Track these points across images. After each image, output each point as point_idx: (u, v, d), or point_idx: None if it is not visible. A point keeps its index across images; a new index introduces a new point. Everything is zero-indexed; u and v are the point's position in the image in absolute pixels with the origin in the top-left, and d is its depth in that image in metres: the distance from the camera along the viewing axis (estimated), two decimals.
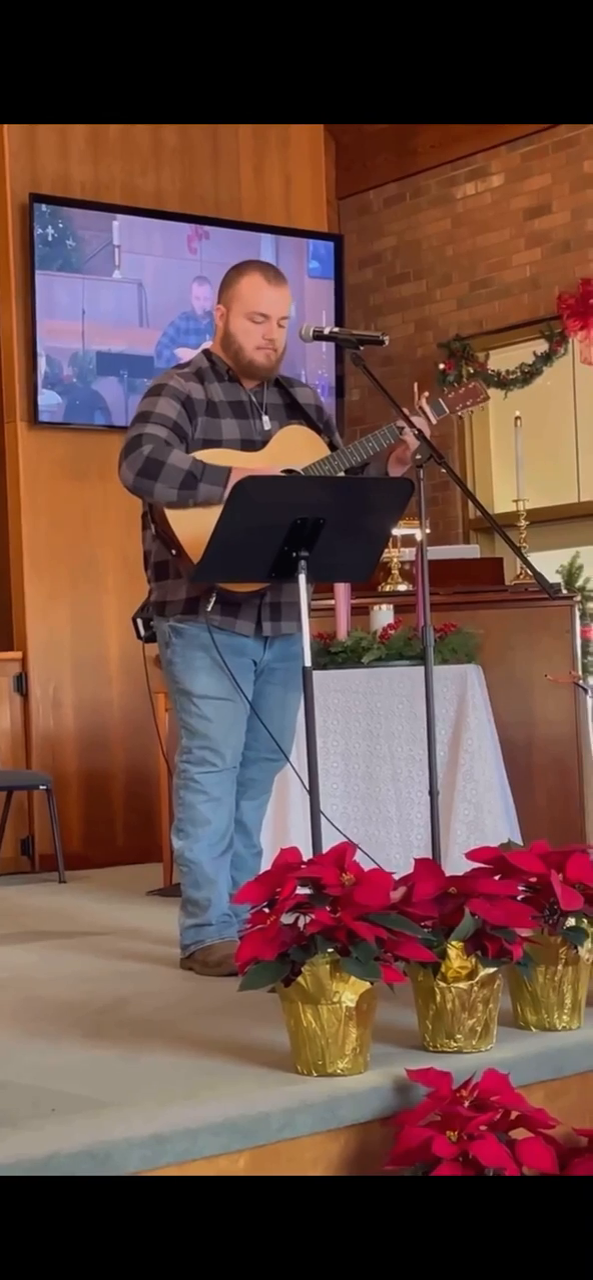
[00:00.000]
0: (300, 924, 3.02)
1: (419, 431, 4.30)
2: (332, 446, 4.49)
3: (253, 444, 4.39)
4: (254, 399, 4.45)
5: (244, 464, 4.26)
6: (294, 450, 4.37)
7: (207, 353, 4.50)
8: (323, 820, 3.95)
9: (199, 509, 4.21)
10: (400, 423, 4.33)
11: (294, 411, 4.50)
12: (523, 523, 6.67)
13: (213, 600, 4.25)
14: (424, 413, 4.42)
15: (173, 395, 4.35)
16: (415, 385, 4.57)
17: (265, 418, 4.44)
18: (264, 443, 4.40)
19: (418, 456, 4.29)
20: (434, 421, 4.42)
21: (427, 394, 4.56)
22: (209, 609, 4.26)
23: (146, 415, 4.32)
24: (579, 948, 3.35)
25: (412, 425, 4.31)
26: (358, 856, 3.12)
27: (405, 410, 4.33)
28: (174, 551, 4.30)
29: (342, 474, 4.35)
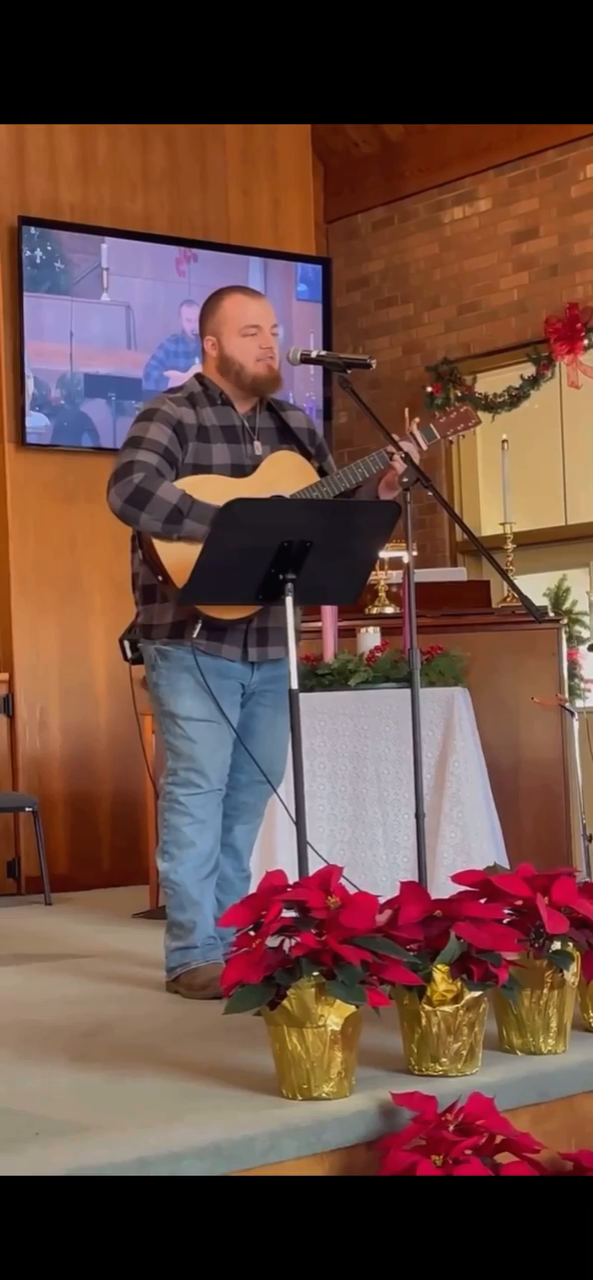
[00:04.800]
0: (286, 947, 3.01)
1: (406, 455, 4.31)
2: (323, 471, 4.48)
3: (243, 469, 4.38)
4: (246, 423, 4.45)
5: (233, 495, 4.25)
6: (283, 476, 4.36)
7: (199, 377, 4.49)
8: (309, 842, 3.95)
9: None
10: (391, 448, 4.33)
11: (286, 435, 4.50)
12: (510, 546, 6.68)
13: (198, 626, 4.26)
14: (415, 438, 4.42)
15: (164, 420, 4.35)
16: (406, 411, 4.57)
17: (257, 442, 4.44)
18: (254, 467, 4.39)
19: (405, 480, 4.30)
20: (424, 447, 4.42)
21: (417, 420, 4.56)
22: (195, 635, 4.26)
23: (138, 441, 4.32)
24: (565, 971, 3.35)
25: (398, 449, 4.31)
26: (343, 880, 3.12)
27: (395, 435, 4.34)
28: (160, 577, 4.30)
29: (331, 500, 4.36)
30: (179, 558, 4.21)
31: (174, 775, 4.40)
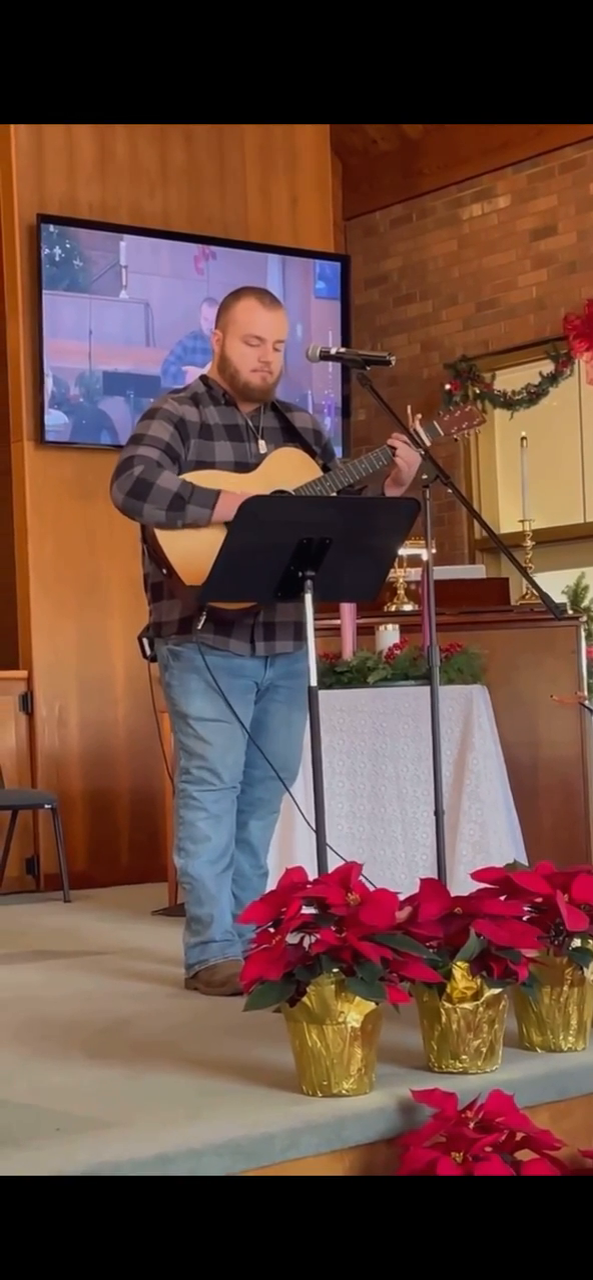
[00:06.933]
0: (306, 944, 3.01)
1: (425, 451, 4.31)
2: (327, 470, 4.49)
3: (247, 466, 4.40)
4: (250, 422, 4.46)
5: (234, 486, 4.27)
6: (286, 472, 4.38)
7: (203, 378, 4.53)
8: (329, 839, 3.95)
9: (189, 530, 4.23)
10: (392, 443, 4.35)
11: (291, 435, 4.52)
12: (529, 543, 6.68)
13: (203, 619, 4.26)
14: (419, 435, 4.43)
15: (166, 418, 4.37)
16: (409, 408, 4.57)
17: (261, 441, 4.45)
18: (258, 465, 4.41)
19: (424, 476, 4.30)
20: (428, 444, 4.42)
21: (420, 416, 4.57)
22: (200, 627, 4.27)
23: (139, 438, 4.35)
24: (585, 969, 3.34)
25: (417, 446, 4.32)
26: (363, 876, 3.12)
27: (399, 433, 4.34)
28: (165, 571, 4.31)
29: (333, 494, 4.36)
30: (183, 550, 4.23)
31: (187, 773, 4.41)
